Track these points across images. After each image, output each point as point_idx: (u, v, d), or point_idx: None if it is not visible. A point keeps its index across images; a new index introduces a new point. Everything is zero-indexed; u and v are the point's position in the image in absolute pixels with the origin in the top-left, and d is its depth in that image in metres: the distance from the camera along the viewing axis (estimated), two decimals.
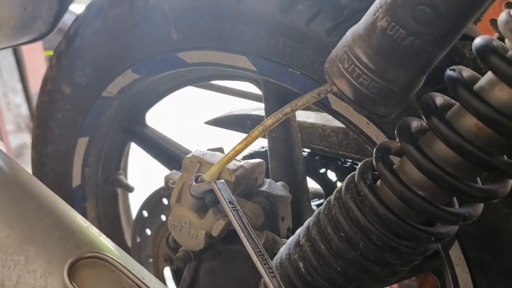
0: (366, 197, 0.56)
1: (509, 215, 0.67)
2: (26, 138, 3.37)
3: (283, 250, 0.70)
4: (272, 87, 0.93)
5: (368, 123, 0.78)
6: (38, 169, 1.22)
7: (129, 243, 1.29)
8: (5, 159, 0.72)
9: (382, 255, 0.56)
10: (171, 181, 0.89)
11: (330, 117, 1.10)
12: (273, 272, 0.65)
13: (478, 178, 0.54)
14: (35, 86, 3.34)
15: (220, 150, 0.91)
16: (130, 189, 1.27)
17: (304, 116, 1.11)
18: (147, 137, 1.18)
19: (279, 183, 0.92)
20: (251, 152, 1.21)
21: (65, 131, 1.14)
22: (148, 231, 1.11)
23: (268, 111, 0.96)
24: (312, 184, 1.21)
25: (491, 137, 0.48)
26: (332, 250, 0.60)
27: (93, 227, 0.68)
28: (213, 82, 1.26)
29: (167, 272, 1.17)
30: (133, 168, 1.38)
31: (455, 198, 0.57)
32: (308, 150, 1.15)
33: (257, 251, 0.67)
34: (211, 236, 0.83)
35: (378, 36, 0.49)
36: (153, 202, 1.08)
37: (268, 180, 0.90)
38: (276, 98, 0.94)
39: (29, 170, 1.05)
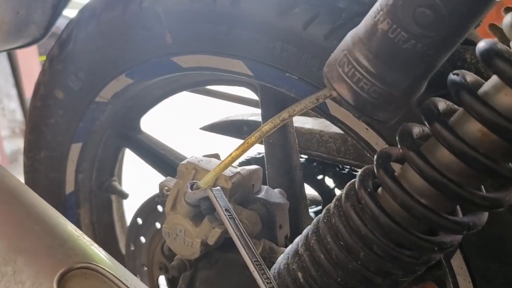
0: (367, 205, 0.54)
1: None
2: (20, 144, 3.35)
3: (281, 260, 0.68)
4: (268, 92, 0.92)
5: (367, 129, 0.76)
6: (31, 175, 1.19)
7: (123, 250, 1.27)
8: None
9: (383, 265, 0.54)
10: (166, 188, 0.87)
11: (328, 123, 1.08)
12: (271, 283, 0.63)
13: (482, 186, 0.52)
14: (30, 91, 3.32)
15: (216, 156, 0.90)
16: (124, 195, 1.25)
17: (301, 122, 1.10)
18: (141, 143, 1.16)
19: (276, 190, 0.90)
20: (247, 158, 1.19)
21: (58, 136, 1.12)
22: (143, 239, 1.09)
23: (265, 117, 0.94)
24: (309, 191, 1.19)
25: (496, 143, 0.46)
26: (331, 259, 0.58)
27: (85, 236, 0.66)
28: (209, 87, 1.24)
29: (162, 280, 1.15)
30: (127, 174, 1.36)
31: (458, 207, 0.56)
32: (306, 156, 1.14)
33: (255, 261, 0.65)
34: (207, 244, 0.81)
35: (379, 39, 0.47)
36: (147, 209, 1.06)
37: (265, 187, 0.89)
38: (273, 103, 0.92)
39: (21, 176, 1.03)
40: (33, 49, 3.46)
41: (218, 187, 0.75)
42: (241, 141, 0.69)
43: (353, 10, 0.72)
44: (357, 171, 1.15)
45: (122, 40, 0.94)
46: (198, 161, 0.85)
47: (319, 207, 1.17)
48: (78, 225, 1.21)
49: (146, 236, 1.07)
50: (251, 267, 0.65)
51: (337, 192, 1.17)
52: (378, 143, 0.76)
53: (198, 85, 1.11)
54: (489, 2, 0.45)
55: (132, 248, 1.11)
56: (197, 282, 0.92)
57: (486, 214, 0.53)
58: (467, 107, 0.46)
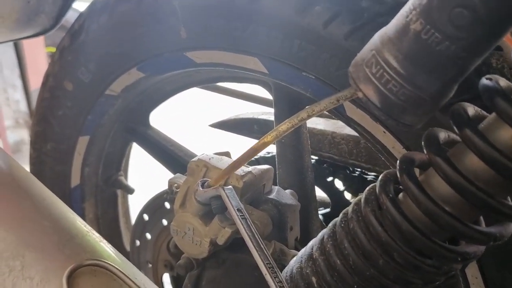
0: (388, 210, 0.52)
1: None
2: (24, 134, 3.35)
3: (293, 263, 0.66)
4: (283, 91, 0.90)
5: (384, 132, 0.74)
6: (36, 167, 1.18)
7: (127, 246, 1.26)
8: (3, 157, 0.68)
9: (403, 274, 0.53)
10: (175, 185, 0.85)
11: (340, 124, 1.07)
12: (283, 286, 0.61)
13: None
14: (35, 82, 3.31)
15: (227, 154, 0.88)
16: (130, 190, 1.23)
17: (313, 123, 1.08)
18: (150, 138, 1.14)
19: (287, 191, 0.88)
20: (257, 157, 1.17)
21: (66, 129, 1.11)
22: (149, 236, 1.07)
23: (278, 116, 0.92)
24: (318, 193, 1.18)
25: None
26: (348, 265, 0.56)
27: (94, 232, 0.64)
28: (220, 84, 1.23)
29: (166, 278, 1.13)
30: (132, 169, 1.34)
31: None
32: (316, 158, 1.12)
33: (267, 263, 0.63)
34: (215, 244, 0.80)
35: (411, 40, 0.45)
36: (154, 206, 1.04)
37: (276, 187, 0.87)
38: (287, 102, 0.91)
39: (26, 167, 1.01)
40: (40, 40, 3.45)
41: (230, 186, 0.73)
42: (250, 140, 0.67)
43: (375, 10, 0.70)
44: (368, 175, 1.13)
45: (135, 33, 0.92)
46: (209, 159, 0.83)
47: (328, 210, 1.15)
48: (83, 219, 1.20)
49: (152, 233, 1.06)
50: (263, 270, 0.63)
51: (346, 195, 1.15)
52: (395, 147, 0.75)
53: (210, 82, 1.09)
54: None
55: (138, 244, 1.09)
56: (204, 282, 0.90)
57: None
58: (502, 112, 0.44)
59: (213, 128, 1.21)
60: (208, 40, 0.85)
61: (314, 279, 0.60)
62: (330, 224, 0.62)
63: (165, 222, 1.04)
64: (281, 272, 0.66)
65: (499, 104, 0.44)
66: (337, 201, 1.14)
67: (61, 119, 1.10)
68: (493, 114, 0.47)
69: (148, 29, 0.91)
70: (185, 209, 0.81)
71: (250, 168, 0.83)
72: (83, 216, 1.20)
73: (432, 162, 0.49)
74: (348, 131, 1.02)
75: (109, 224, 1.26)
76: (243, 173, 0.80)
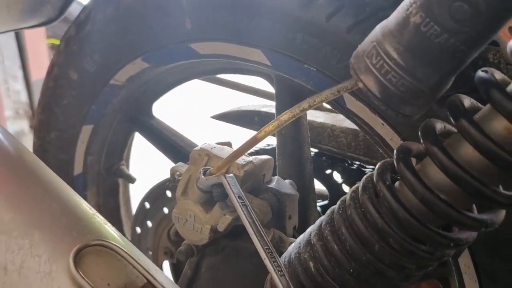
0: (385, 198, 0.54)
1: None
2: (24, 125, 3.35)
3: (292, 249, 0.68)
4: (285, 83, 0.92)
5: (383, 124, 0.76)
6: (40, 155, 1.19)
7: (128, 235, 1.27)
8: (13, 142, 0.70)
9: (398, 259, 0.55)
10: (178, 173, 0.87)
11: (340, 117, 1.09)
12: (281, 271, 0.63)
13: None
14: (36, 73, 3.32)
15: (228, 144, 0.90)
16: (132, 180, 1.25)
17: (313, 116, 1.10)
18: (153, 128, 1.16)
19: (286, 181, 0.90)
20: (256, 149, 1.19)
21: (70, 118, 1.12)
22: (149, 223, 1.09)
23: (280, 108, 0.94)
24: (316, 185, 1.19)
25: None
26: (345, 251, 0.58)
27: (99, 215, 0.66)
28: (223, 76, 1.24)
29: (166, 265, 1.15)
30: (134, 159, 1.36)
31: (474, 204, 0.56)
32: (316, 150, 1.14)
33: (266, 248, 0.65)
34: (216, 231, 0.82)
35: (411, 32, 0.47)
36: (156, 194, 1.06)
37: (276, 177, 0.89)
38: (288, 95, 0.93)
39: None
40: (41, 31, 3.45)
41: (232, 174, 0.75)
42: (251, 132, 0.69)
43: (377, 4, 0.72)
44: (366, 167, 1.15)
45: (141, 24, 0.94)
46: (211, 148, 0.85)
47: (326, 202, 1.17)
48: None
49: (153, 221, 1.08)
50: (263, 255, 0.65)
51: (345, 187, 1.17)
52: (393, 139, 0.77)
53: (213, 73, 1.11)
54: None
55: (138, 232, 1.11)
56: (203, 268, 0.92)
57: (503, 213, 0.53)
58: (496, 104, 0.46)
59: (215, 120, 1.23)
60: (213, 32, 0.87)
61: (311, 264, 0.62)
62: (328, 211, 0.63)
63: (166, 210, 1.06)
64: (280, 258, 0.68)
65: (494, 96, 0.46)
66: (335, 194, 1.16)
67: (65, 108, 1.12)
68: (488, 106, 0.49)
69: (154, 20, 0.92)
70: (187, 197, 0.83)
71: (251, 158, 0.84)
72: None
73: (428, 152, 0.51)
74: (347, 124, 1.04)
75: (110, 213, 1.28)
76: (244, 163, 0.82)
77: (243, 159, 0.83)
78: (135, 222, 1.12)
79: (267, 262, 0.64)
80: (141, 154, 1.63)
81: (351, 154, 1.04)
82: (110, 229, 0.64)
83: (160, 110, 1.24)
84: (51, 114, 1.14)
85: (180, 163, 0.90)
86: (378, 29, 0.51)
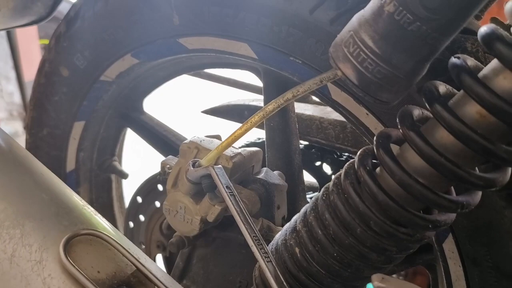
0: (366, 183, 0.56)
1: (504, 208, 0.68)
2: (18, 126, 3.35)
3: (278, 236, 0.70)
4: (272, 76, 0.93)
5: (367, 114, 0.78)
6: (33, 152, 1.20)
7: (121, 230, 1.29)
8: (3, 136, 0.71)
9: (379, 241, 0.56)
10: (168, 166, 0.89)
11: (328, 110, 1.11)
12: (268, 257, 0.65)
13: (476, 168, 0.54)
14: (29, 74, 3.32)
15: (218, 137, 0.91)
16: (124, 175, 1.26)
17: (302, 108, 1.11)
18: (144, 123, 1.17)
19: (275, 172, 0.92)
20: (247, 143, 1.21)
21: (61, 114, 1.13)
22: (142, 217, 1.11)
23: (267, 101, 0.96)
24: (307, 178, 1.21)
25: (493, 125, 0.48)
26: (329, 235, 0.60)
27: (89, 206, 0.68)
28: (211, 71, 1.26)
29: (159, 259, 1.17)
30: (126, 155, 1.37)
31: (452, 187, 0.58)
32: (306, 143, 1.15)
33: (253, 236, 0.67)
34: (206, 221, 0.83)
35: (385, 21, 0.49)
36: (147, 188, 1.08)
37: (265, 168, 0.90)
38: (275, 88, 0.94)
39: None
40: (33, 32, 3.45)
41: (220, 166, 0.77)
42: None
43: None
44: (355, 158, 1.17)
45: (130, 20, 0.95)
46: (200, 141, 0.86)
47: (316, 193, 1.19)
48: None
49: (145, 215, 1.09)
50: (250, 242, 0.67)
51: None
52: (377, 128, 0.78)
53: (202, 68, 1.12)
54: None
55: (131, 226, 1.13)
56: (194, 260, 0.94)
57: (479, 194, 0.55)
58: (467, 89, 0.48)
59: (206, 115, 1.25)
60: (200, 27, 0.89)
61: (297, 250, 0.64)
62: (313, 198, 0.65)
63: (157, 204, 1.08)
64: (268, 246, 0.69)
65: (466, 81, 0.48)
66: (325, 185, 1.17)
67: (57, 104, 1.13)
68: (461, 91, 0.51)
69: (142, 16, 0.93)
70: (177, 189, 0.84)
71: (240, 150, 0.86)
72: None
73: (405, 137, 0.53)
74: (335, 116, 1.06)
75: (103, 209, 1.29)
76: (233, 154, 0.84)
77: (231, 151, 0.85)
78: (127, 216, 1.13)
79: (254, 249, 0.66)
80: (134, 149, 1.65)
81: (339, 146, 1.06)
82: (100, 220, 0.66)
83: (151, 105, 1.25)
84: (43, 111, 1.15)
85: (170, 157, 0.92)
86: (355, 19, 0.52)
